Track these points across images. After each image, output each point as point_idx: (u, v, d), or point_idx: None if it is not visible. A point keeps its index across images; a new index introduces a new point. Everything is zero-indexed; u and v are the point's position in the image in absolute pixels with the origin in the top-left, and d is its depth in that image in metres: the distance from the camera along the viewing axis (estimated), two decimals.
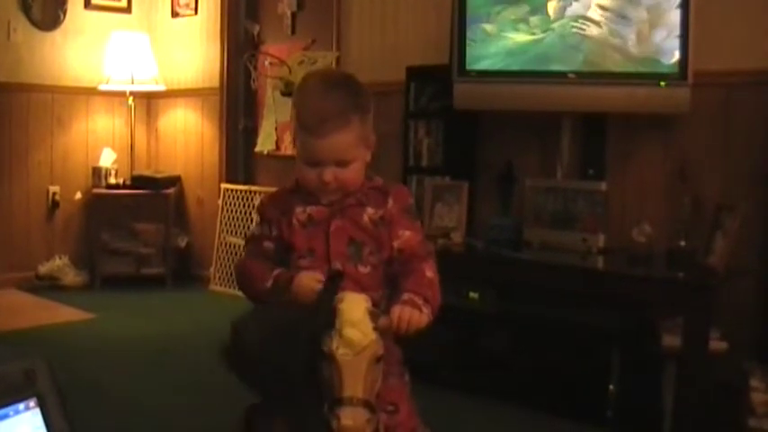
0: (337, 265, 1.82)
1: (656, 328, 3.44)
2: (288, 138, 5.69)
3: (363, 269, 1.85)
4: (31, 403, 0.87)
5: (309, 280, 1.77)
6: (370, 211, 1.88)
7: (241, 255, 2.04)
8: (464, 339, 3.94)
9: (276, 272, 1.84)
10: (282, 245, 1.90)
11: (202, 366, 4.28)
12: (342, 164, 1.82)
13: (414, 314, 1.71)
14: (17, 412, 0.86)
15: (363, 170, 1.89)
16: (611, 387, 3.50)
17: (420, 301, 1.74)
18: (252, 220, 5.85)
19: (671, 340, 3.33)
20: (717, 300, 3.30)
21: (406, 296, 1.75)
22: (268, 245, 1.92)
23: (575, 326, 3.62)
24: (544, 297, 3.72)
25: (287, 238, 1.88)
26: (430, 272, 1.84)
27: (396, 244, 1.87)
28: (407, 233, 1.88)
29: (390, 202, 1.89)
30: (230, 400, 3.77)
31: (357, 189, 1.88)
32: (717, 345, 3.34)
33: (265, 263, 1.89)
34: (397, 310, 1.70)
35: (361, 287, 1.77)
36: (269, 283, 1.84)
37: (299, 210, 1.88)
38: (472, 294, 3.87)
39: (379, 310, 1.70)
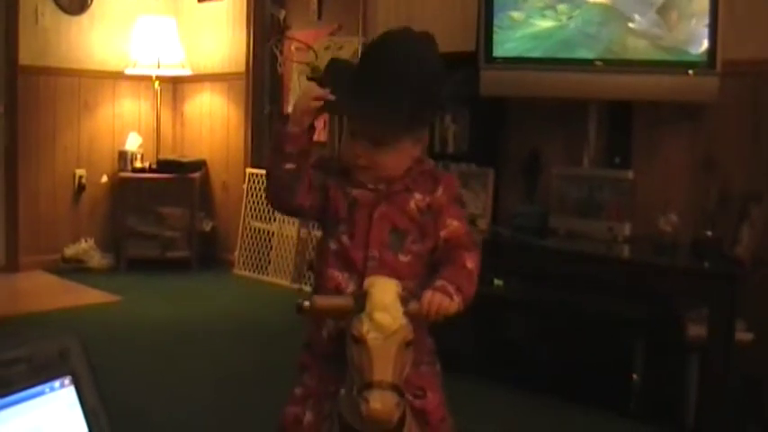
0: (374, 253, 1.82)
1: (681, 318, 3.42)
2: (318, 124, 5.70)
3: (404, 258, 1.83)
4: (66, 381, 0.88)
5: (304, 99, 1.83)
6: (417, 197, 1.86)
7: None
8: (488, 327, 3.95)
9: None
10: (324, 206, 1.89)
11: (226, 350, 4.31)
12: (377, 144, 1.81)
13: (444, 300, 1.71)
14: (52, 389, 0.87)
15: (404, 159, 1.85)
16: (634, 377, 3.49)
17: (452, 289, 1.73)
18: None
19: (696, 331, 3.32)
20: (743, 290, 3.27)
21: (438, 283, 1.74)
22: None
23: (599, 314, 3.61)
24: (569, 285, 3.71)
25: (333, 202, 1.87)
26: (470, 263, 1.82)
27: (443, 233, 1.86)
28: (455, 223, 1.87)
29: (440, 190, 1.87)
30: (253, 383, 3.81)
31: (401, 174, 1.86)
32: (742, 336, 3.32)
33: None
34: (427, 296, 1.70)
35: (398, 276, 1.75)
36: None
37: (348, 190, 1.87)
38: (497, 282, 3.88)
39: (412, 297, 1.71)
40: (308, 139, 1.87)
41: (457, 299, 1.73)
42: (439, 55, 1.86)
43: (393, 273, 1.77)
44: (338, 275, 1.84)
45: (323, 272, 1.88)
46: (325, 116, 5.18)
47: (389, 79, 1.78)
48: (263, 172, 6.12)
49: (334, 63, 1.88)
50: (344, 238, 1.85)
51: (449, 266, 1.81)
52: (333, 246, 1.87)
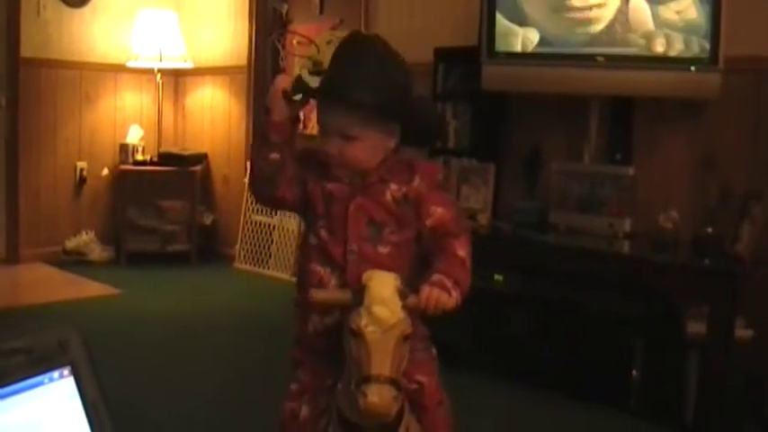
0: (353, 247, 1.82)
1: (681, 315, 3.42)
2: (314, 117, 5.69)
3: (383, 249, 1.83)
4: (65, 372, 0.88)
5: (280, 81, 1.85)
6: (393, 187, 1.85)
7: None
8: (487, 321, 3.95)
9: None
10: (305, 200, 1.90)
11: (226, 344, 4.31)
12: (347, 138, 1.81)
13: (442, 296, 1.71)
14: (51, 380, 0.87)
15: (377, 151, 1.85)
16: (634, 373, 3.49)
17: (449, 284, 1.73)
18: None
19: (696, 328, 3.32)
20: (743, 288, 3.27)
21: (435, 277, 1.74)
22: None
23: (599, 311, 3.61)
24: (569, 281, 3.71)
25: (312, 197, 1.88)
26: (461, 250, 1.82)
27: (428, 222, 1.85)
28: (439, 210, 1.86)
29: (417, 180, 1.86)
30: (254, 377, 3.81)
31: (376, 166, 1.85)
32: (742, 333, 3.32)
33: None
34: (425, 291, 1.70)
35: (381, 268, 1.75)
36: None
37: (324, 184, 1.87)
38: (497, 276, 3.88)
39: (411, 291, 1.71)
40: (291, 129, 1.89)
41: (455, 293, 1.73)
42: (406, 71, 1.89)
43: (374, 265, 1.76)
44: (320, 270, 1.84)
45: (305, 267, 1.88)
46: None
47: (356, 63, 1.81)
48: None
49: (300, 78, 1.92)
50: (323, 233, 1.85)
51: (441, 258, 1.80)
52: (313, 241, 1.87)
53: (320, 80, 1.84)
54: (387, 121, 1.84)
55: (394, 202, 1.85)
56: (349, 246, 1.82)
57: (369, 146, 1.83)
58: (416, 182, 1.86)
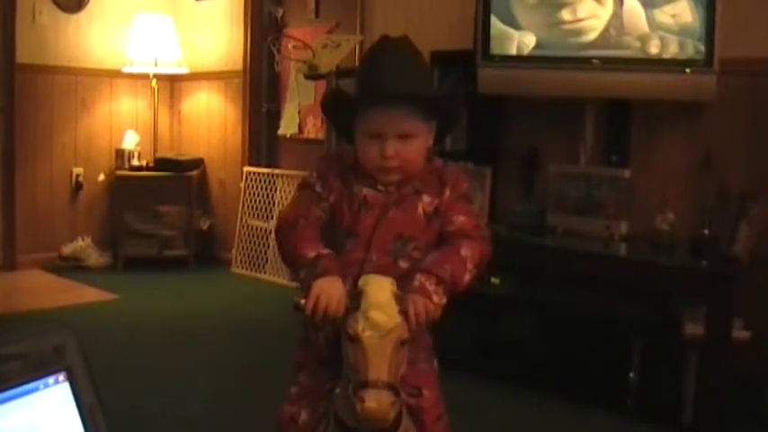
0: (373, 258, 1.81)
1: (679, 316, 3.42)
2: (311, 121, 5.69)
3: (403, 264, 1.82)
4: (61, 377, 0.88)
5: (329, 294, 1.70)
6: (425, 200, 1.85)
7: (290, 201, 2.00)
8: (485, 325, 3.94)
9: (322, 252, 1.77)
10: (332, 215, 1.86)
11: (223, 348, 4.31)
12: (403, 137, 1.80)
13: (427, 306, 1.70)
14: (47, 386, 0.87)
15: (424, 150, 1.85)
16: (631, 375, 3.49)
17: (431, 287, 1.72)
18: (274, 203, 5.87)
19: (693, 329, 3.32)
20: (740, 289, 3.27)
21: (417, 282, 1.73)
22: (323, 207, 1.86)
23: (596, 313, 3.61)
24: (566, 283, 3.71)
25: (338, 212, 1.85)
26: (466, 250, 1.81)
27: (449, 229, 1.85)
28: (461, 218, 1.86)
29: (447, 192, 1.86)
30: (250, 382, 3.81)
31: (416, 174, 1.85)
32: (740, 334, 3.32)
33: (317, 231, 1.83)
34: (410, 307, 1.68)
35: (396, 280, 1.73)
36: (311, 255, 1.76)
37: (356, 189, 1.85)
38: (494, 280, 3.87)
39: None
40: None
41: (436, 297, 1.72)
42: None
43: (389, 276, 1.75)
44: None
45: None
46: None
47: (396, 61, 1.81)
48: (261, 171, 6.07)
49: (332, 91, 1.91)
50: (342, 238, 1.84)
51: (437, 252, 1.81)
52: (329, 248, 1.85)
53: (360, 86, 1.84)
54: (430, 117, 1.84)
55: (425, 217, 1.85)
56: (369, 254, 1.81)
57: (421, 144, 1.83)
58: (447, 194, 1.87)
